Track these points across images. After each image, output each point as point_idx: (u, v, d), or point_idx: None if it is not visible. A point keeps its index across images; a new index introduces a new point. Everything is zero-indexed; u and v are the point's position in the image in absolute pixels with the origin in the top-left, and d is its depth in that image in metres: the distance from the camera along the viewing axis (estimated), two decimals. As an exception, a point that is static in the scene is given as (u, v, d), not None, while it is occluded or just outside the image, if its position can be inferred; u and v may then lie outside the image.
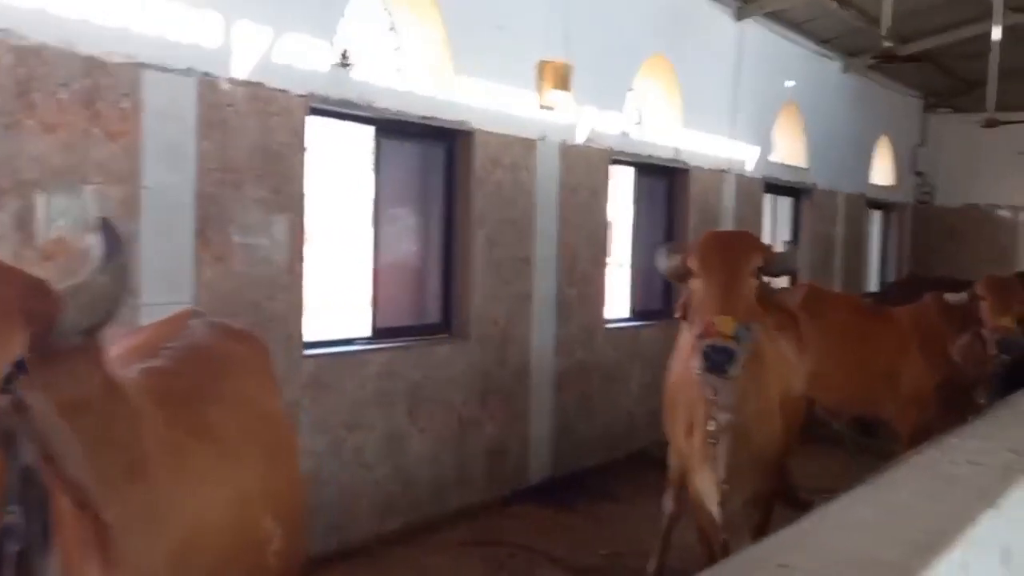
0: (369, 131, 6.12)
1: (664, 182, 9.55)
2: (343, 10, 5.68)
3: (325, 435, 5.83)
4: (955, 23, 12.03)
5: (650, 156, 8.96)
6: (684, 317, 4.09)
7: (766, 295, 4.05)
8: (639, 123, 9.37)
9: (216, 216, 4.92)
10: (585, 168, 7.95)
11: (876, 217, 15.22)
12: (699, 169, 9.68)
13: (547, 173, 7.53)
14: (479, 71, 6.70)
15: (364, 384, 6.08)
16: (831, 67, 12.61)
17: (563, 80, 7.38)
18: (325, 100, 5.54)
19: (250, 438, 2.15)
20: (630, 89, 8.76)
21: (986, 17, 11.58)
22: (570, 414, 7.99)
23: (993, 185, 15.49)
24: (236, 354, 2.41)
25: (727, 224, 10.29)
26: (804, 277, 12.27)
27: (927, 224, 15.96)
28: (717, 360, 3.53)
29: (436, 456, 6.68)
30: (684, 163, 9.46)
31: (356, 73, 5.79)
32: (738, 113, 10.30)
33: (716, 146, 9.96)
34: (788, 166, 11.90)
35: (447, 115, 6.49)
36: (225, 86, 4.85)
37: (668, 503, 4.85)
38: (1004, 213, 15.51)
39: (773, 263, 3.91)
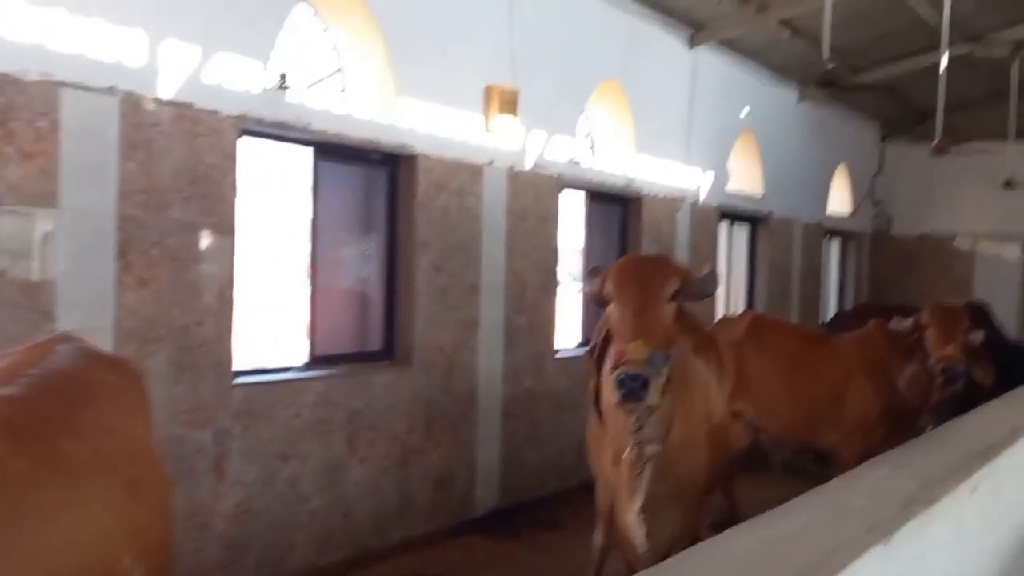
0: (308, 153, 6.01)
1: (617, 209, 9.51)
2: (278, 31, 5.58)
3: (256, 465, 5.66)
4: (907, 52, 12.17)
5: (602, 183, 8.93)
6: (600, 354, 4.00)
7: (686, 319, 3.96)
8: (591, 149, 9.35)
9: (139, 239, 4.78)
10: (534, 194, 7.89)
11: (834, 246, 15.31)
12: (653, 196, 9.66)
13: (495, 199, 7.46)
14: (422, 94, 6.63)
15: (300, 413, 5.92)
16: (787, 96, 12.71)
17: (510, 105, 7.33)
18: (259, 121, 5.43)
19: (108, 471, 2.01)
20: (582, 114, 8.74)
21: (937, 46, 11.76)
22: (519, 443, 7.86)
23: (949, 214, 15.65)
24: (102, 382, 2.28)
25: (682, 252, 10.27)
26: (761, 306, 12.32)
27: (884, 253, 16.07)
28: (631, 388, 3.40)
29: (377, 486, 6.52)
30: (637, 190, 9.43)
31: (292, 94, 5.69)
32: (692, 140, 10.31)
33: (670, 173, 9.95)
34: (744, 194, 11.93)
35: (389, 138, 6.40)
36: (150, 106, 4.72)
37: (598, 536, 4.73)
38: (960, 243, 15.66)
39: (691, 287, 3.81)
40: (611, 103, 9.21)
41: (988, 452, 2.68)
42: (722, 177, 11.20)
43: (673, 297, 3.73)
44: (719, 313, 11.50)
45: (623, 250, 9.55)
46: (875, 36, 11.59)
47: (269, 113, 5.48)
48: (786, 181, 12.75)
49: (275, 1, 5.52)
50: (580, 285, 4.13)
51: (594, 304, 4.11)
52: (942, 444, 2.82)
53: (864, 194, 15.70)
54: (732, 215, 11.67)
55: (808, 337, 6.85)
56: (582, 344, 9.05)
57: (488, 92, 7.22)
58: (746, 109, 11.58)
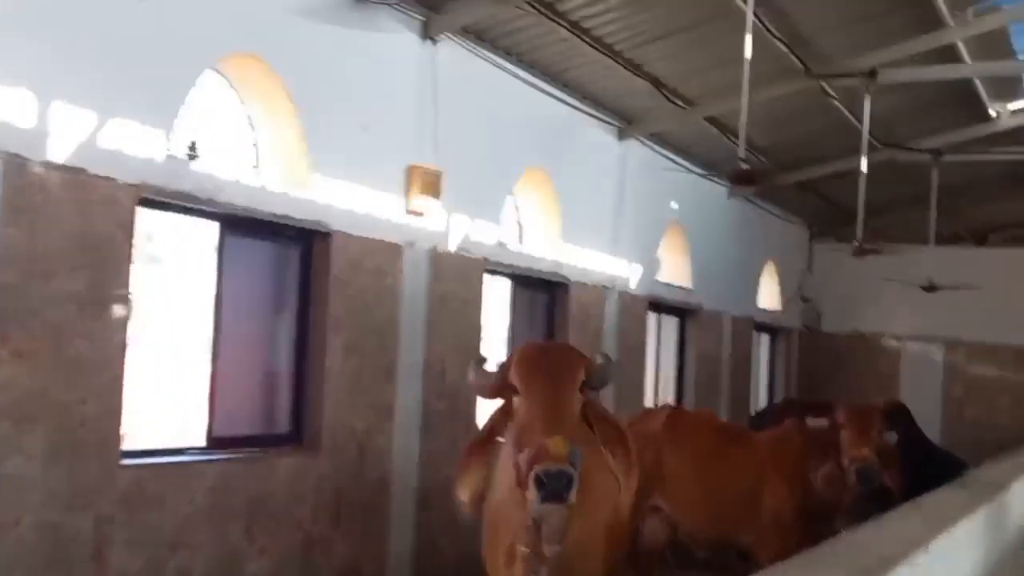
0: (213, 227, 5.81)
1: (544, 296, 9.43)
2: (183, 98, 5.45)
3: (142, 555, 5.27)
4: (833, 155, 12.51)
5: (529, 268, 8.85)
6: (487, 442, 3.78)
7: (594, 408, 3.80)
8: (518, 235, 9.31)
9: (19, 309, 4.50)
10: (457, 277, 7.76)
11: (764, 340, 15.41)
12: (580, 284, 9.61)
13: (415, 280, 7.31)
14: (340, 171, 6.52)
15: (194, 498, 5.58)
16: (716, 191, 12.88)
17: (433, 186, 7.25)
18: (160, 191, 5.24)
19: None
20: (507, 199, 8.70)
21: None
22: (435, 532, 7.52)
23: (876, 314, 15.92)
24: None
25: (610, 341, 10.19)
26: (690, 397, 12.25)
27: (814, 350, 16.23)
28: (554, 487, 3.18)
29: (276, 579, 6.14)
30: (564, 277, 9.37)
31: (199, 164, 5.53)
32: (621, 231, 10.34)
33: (598, 262, 9.94)
34: (674, 286, 11.97)
35: (302, 214, 6.25)
36: (37, 169, 4.51)
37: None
38: (888, 342, 15.90)
39: (594, 376, 3.65)
40: (538, 190, 9.21)
41: (882, 567, 2.51)
42: (651, 268, 11.24)
43: (582, 388, 3.56)
44: (648, 404, 11.40)
45: (550, 337, 9.44)
46: (802, 137, 11.92)
47: (172, 183, 5.30)
48: (715, 275, 12.86)
49: (181, 68, 5.38)
50: (468, 374, 3.89)
51: (484, 396, 3.91)
52: (832, 558, 2.64)
53: (793, 291, 15.93)
54: (662, 306, 11.68)
55: (725, 433, 6.72)
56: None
57: (410, 172, 7.14)
58: (675, 203, 11.72)
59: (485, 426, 4.10)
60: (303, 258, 6.49)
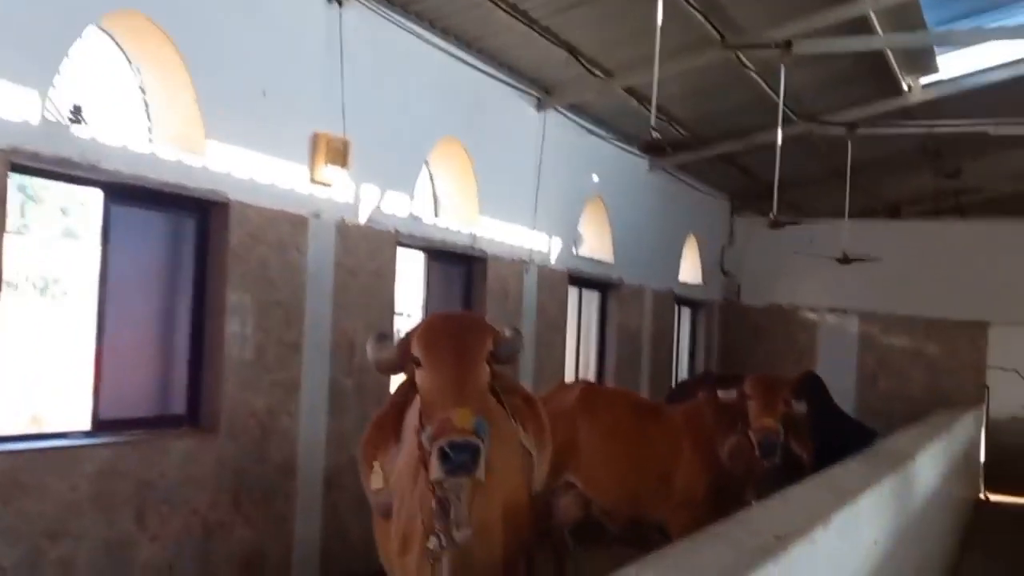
0: (98, 196, 5.44)
1: (461, 270, 9.22)
2: (60, 59, 5.06)
3: (19, 546, 4.94)
4: (752, 128, 12.52)
5: (443, 242, 8.62)
6: (394, 420, 3.62)
7: (502, 380, 3.62)
8: (434, 207, 9.07)
9: None
10: (367, 250, 7.50)
11: (685, 314, 15.48)
12: (498, 258, 9.42)
13: (321, 253, 7.03)
14: (238, 138, 6.19)
15: (77, 485, 5.25)
16: (637, 164, 12.84)
17: (340, 155, 6.96)
18: (35, 157, 4.87)
19: None
20: (421, 171, 8.44)
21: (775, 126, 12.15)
22: (343, 516, 7.30)
23: (795, 287, 16.13)
24: None
25: (530, 315, 10.05)
26: (611, 372, 12.20)
27: (734, 322, 16.38)
28: (461, 460, 3.02)
29: (172, 566, 5.85)
30: (482, 251, 9.17)
31: (80, 129, 5.15)
32: (541, 204, 10.17)
33: (517, 236, 9.76)
34: (594, 260, 11.88)
35: (196, 183, 5.91)
36: None
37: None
38: (806, 314, 16.12)
39: (501, 347, 3.46)
40: (453, 161, 8.98)
41: (780, 544, 2.39)
42: (571, 242, 11.11)
43: (489, 359, 3.36)
44: (569, 380, 11.31)
45: (466, 306, 9.25)
46: (720, 110, 11.88)
47: (48, 148, 4.93)
48: (637, 249, 12.81)
49: (59, 24, 4.99)
50: (367, 350, 3.64)
51: (385, 372, 3.68)
52: (725, 539, 2.52)
53: (714, 264, 16.02)
54: (582, 280, 11.58)
55: (639, 408, 6.63)
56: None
57: (315, 140, 6.84)
58: (595, 176, 11.60)
59: (389, 401, 3.88)
60: (199, 229, 6.16)
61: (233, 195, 6.18)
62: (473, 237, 9.04)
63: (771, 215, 9.27)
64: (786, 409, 5.81)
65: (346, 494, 7.33)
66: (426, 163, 8.74)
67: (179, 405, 6.15)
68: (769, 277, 16.25)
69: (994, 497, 13.65)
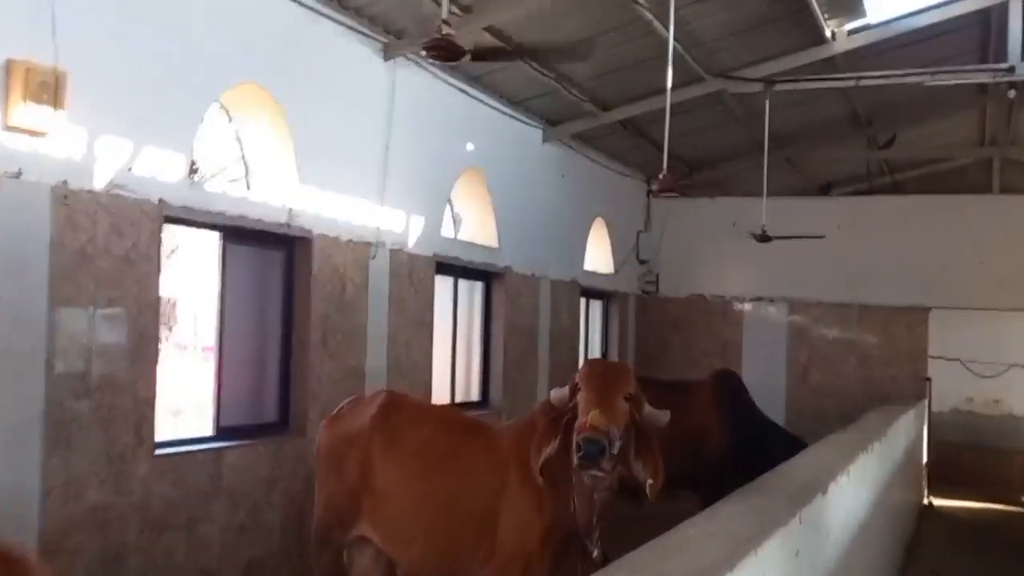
0: None
1: (277, 252, 7.34)
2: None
3: None
4: (657, 88, 10.80)
5: (242, 216, 6.72)
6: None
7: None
8: (244, 172, 7.18)
9: None
10: (109, 225, 5.56)
11: (595, 307, 13.74)
12: (328, 239, 7.54)
13: (33, 227, 5.09)
14: None
15: None
16: (528, 134, 11.05)
17: (51, 91, 5.03)
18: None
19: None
20: (202, 122, 6.52)
21: (688, 83, 10.48)
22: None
23: (717, 274, 14.50)
24: None
25: (380, 307, 8.20)
26: (496, 377, 10.41)
27: (652, 316, 14.70)
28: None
29: None
30: (305, 230, 7.29)
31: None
32: (392, 173, 8.31)
33: (355, 211, 7.89)
34: (472, 244, 10.07)
35: None
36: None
37: None
38: (730, 304, 14.49)
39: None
40: (258, 113, 7.09)
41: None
42: (438, 222, 9.28)
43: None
44: (440, 389, 9.50)
45: (287, 301, 7.38)
46: (623, 68, 10.13)
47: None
48: (529, 232, 11.04)
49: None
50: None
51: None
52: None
53: (628, 252, 14.30)
54: (456, 268, 9.75)
55: (453, 428, 4.74)
56: (216, 435, 6.71)
57: (8, 68, 4.90)
58: (471, 144, 9.77)
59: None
60: None
61: None
62: (289, 212, 7.15)
63: (659, 176, 7.51)
64: (628, 405, 4.06)
65: (88, 556, 5.42)
66: (226, 111, 6.88)
67: None
68: (690, 265, 14.60)
69: (938, 502, 12.19)
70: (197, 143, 6.37)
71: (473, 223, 10.35)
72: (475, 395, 10.42)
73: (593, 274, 13.17)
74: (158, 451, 5.95)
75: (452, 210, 10.27)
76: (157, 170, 5.89)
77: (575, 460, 3.79)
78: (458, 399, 10.06)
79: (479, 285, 10.48)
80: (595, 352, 13.66)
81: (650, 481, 4.12)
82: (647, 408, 4.15)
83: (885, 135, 13.69)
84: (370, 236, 8.08)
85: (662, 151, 13.43)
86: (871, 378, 13.56)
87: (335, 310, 7.64)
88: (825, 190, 15.21)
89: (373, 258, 8.10)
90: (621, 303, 14.10)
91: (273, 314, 7.34)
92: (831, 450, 5.95)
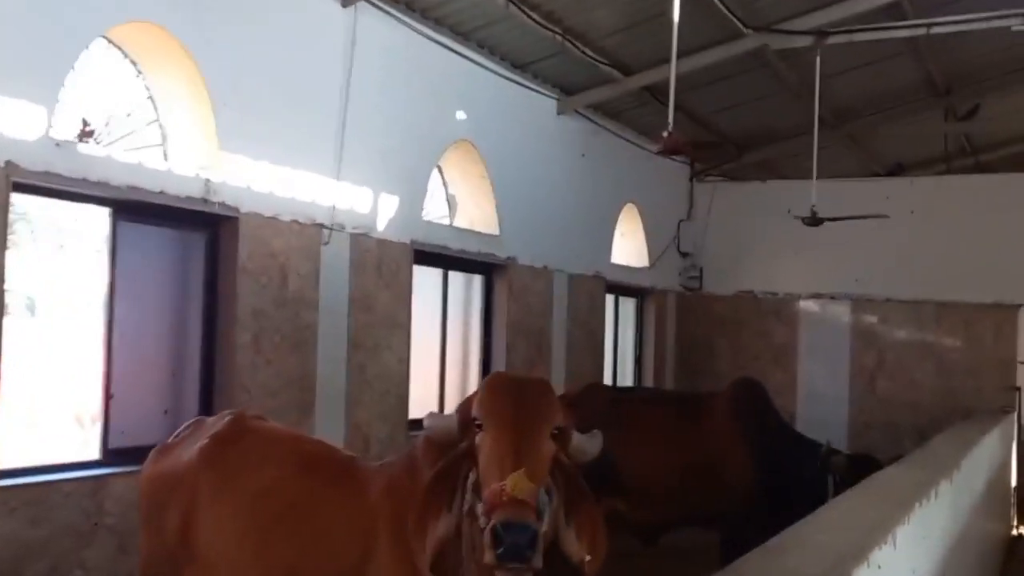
0: None
1: (198, 235, 6.04)
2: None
3: None
4: (690, 48, 9.23)
5: (136, 187, 5.40)
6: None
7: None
8: (161, 144, 5.89)
9: None
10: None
11: (628, 307, 12.16)
12: (262, 219, 6.21)
13: None
14: None
15: None
16: (541, 105, 9.57)
17: None
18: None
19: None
20: (70, 70, 5.21)
21: (730, 40, 8.91)
22: None
23: (770, 268, 12.76)
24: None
25: (334, 307, 6.85)
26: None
27: (694, 315, 13.02)
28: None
29: None
30: (228, 206, 5.96)
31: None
32: (352, 143, 6.94)
33: (300, 186, 6.53)
34: (466, 231, 8.65)
35: None
36: None
37: None
38: (784, 302, 12.74)
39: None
40: (164, 63, 5.78)
41: None
42: (418, 202, 7.88)
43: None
44: (426, 402, 8.11)
45: (208, 294, 6.07)
46: (653, 31, 8.58)
47: None
48: (540, 218, 9.57)
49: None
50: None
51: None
52: None
53: (668, 243, 12.67)
54: (446, 259, 8.33)
55: (311, 467, 3.25)
56: (101, 460, 5.41)
57: None
58: (461, 113, 8.34)
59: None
60: None
61: None
62: (207, 184, 5.82)
63: (664, 134, 5.96)
64: (554, 447, 2.62)
65: None
66: (133, 63, 5.59)
67: None
68: (738, 258, 12.87)
69: (1030, 533, 10.30)
70: (95, 99, 5.09)
71: (471, 207, 8.93)
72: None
73: (624, 268, 11.61)
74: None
75: (446, 192, 8.88)
76: (4, 125, 4.60)
77: (489, 556, 2.34)
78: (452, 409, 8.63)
79: (477, 279, 9.05)
80: (627, 360, 12.09)
81: (587, 558, 2.66)
82: (575, 440, 2.73)
83: (966, 105, 11.82)
84: (323, 216, 6.72)
85: (702, 127, 11.91)
86: (950, 388, 11.67)
87: (273, 306, 6.30)
88: (895, 172, 13.35)
89: (326, 243, 6.74)
90: (658, 301, 12.48)
91: (192, 310, 6.03)
92: (879, 498, 4.35)
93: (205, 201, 5.81)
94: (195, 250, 6.06)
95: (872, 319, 12.26)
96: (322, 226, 6.70)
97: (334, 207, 6.79)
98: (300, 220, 6.51)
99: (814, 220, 8.79)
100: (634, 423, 6.49)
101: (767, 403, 6.63)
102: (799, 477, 6.13)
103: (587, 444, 2.77)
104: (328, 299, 6.76)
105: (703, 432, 6.50)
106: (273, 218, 6.29)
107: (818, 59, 8.81)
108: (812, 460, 6.20)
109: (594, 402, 6.56)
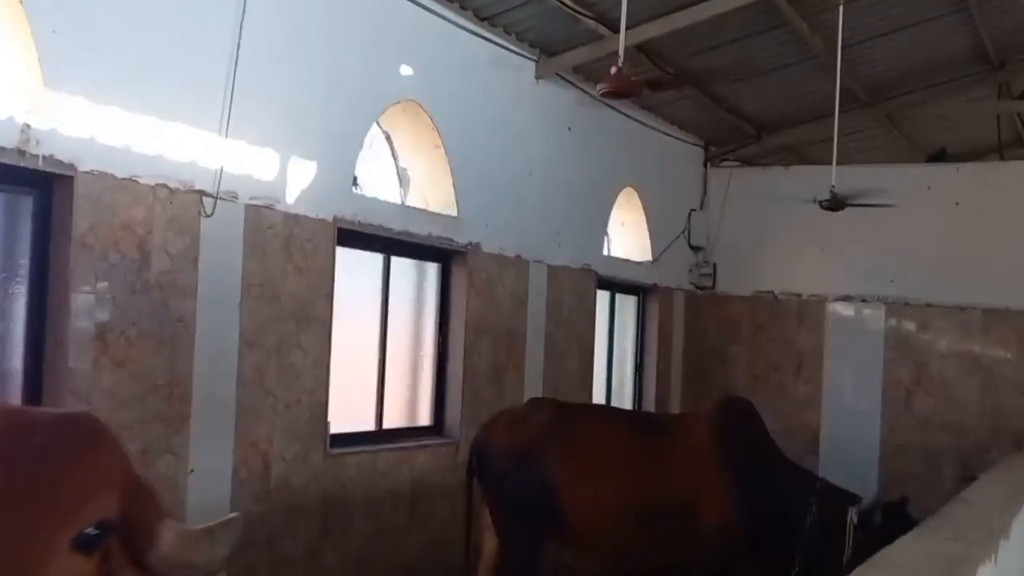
0: None
1: (21, 197, 4.73)
2: None
3: None
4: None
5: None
6: None
7: None
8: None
9: None
10: None
11: (627, 306, 10.70)
12: (109, 178, 4.88)
13: None
14: None
15: None
16: (513, 65, 8.16)
17: None
18: None
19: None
20: None
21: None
22: None
23: (794, 266, 11.22)
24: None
25: (213, 297, 5.52)
26: (453, 402, 7.58)
27: (705, 318, 11.52)
28: None
29: None
30: (61, 163, 4.65)
31: None
32: (245, 92, 5.59)
33: (170, 141, 5.19)
34: (416, 210, 7.27)
35: None
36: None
37: None
38: (808, 305, 11.17)
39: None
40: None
41: None
42: (346, 173, 6.52)
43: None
44: (361, 411, 6.76)
45: (37, 265, 4.76)
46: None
47: None
48: (512, 200, 8.17)
49: None
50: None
51: None
52: None
53: (677, 235, 11.18)
54: (389, 242, 6.96)
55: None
56: None
57: None
58: (406, 68, 6.96)
59: None
60: None
61: None
62: (26, 132, 4.51)
63: (612, 69, 4.42)
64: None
65: None
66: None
67: None
68: (757, 253, 11.36)
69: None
70: None
71: (426, 183, 7.55)
72: (425, 418, 7.60)
73: (621, 261, 10.16)
74: None
75: (396, 164, 7.52)
76: None
77: None
78: (396, 423, 7.26)
79: (432, 268, 7.66)
80: (624, 368, 10.62)
81: None
82: (169, 544, 1.34)
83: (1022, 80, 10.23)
84: (205, 182, 5.37)
85: (719, 105, 10.43)
86: (998, 407, 10.02)
87: (126, 291, 4.97)
88: (937, 158, 11.73)
89: (208, 215, 5.39)
90: (663, 300, 10.98)
91: (16, 295, 4.72)
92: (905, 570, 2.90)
93: (22, 154, 4.49)
94: (21, 217, 4.76)
95: (909, 326, 10.64)
96: (203, 193, 5.36)
97: (221, 170, 5.44)
98: (170, 184, 5.17)
99: (834, 203, 7.28)
100: (587, 448, 5.08)
101: (759, 428, 5.14)
102: (794, 520, 4.67)
103: (199, 547, 1.39)
104: (211, 285, 5.42)
105: (676, 461, 5.07)
106: (129, 179, 4.96)
107: (841, 10, 7.29)
108: (807, 499, 4.75)
109: (536, 421, 5.14)
